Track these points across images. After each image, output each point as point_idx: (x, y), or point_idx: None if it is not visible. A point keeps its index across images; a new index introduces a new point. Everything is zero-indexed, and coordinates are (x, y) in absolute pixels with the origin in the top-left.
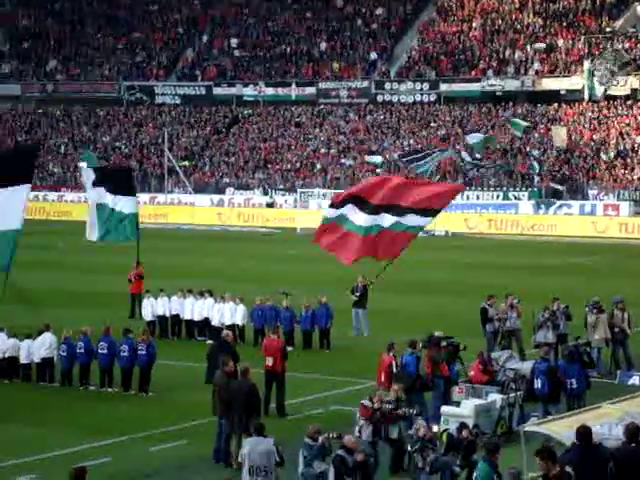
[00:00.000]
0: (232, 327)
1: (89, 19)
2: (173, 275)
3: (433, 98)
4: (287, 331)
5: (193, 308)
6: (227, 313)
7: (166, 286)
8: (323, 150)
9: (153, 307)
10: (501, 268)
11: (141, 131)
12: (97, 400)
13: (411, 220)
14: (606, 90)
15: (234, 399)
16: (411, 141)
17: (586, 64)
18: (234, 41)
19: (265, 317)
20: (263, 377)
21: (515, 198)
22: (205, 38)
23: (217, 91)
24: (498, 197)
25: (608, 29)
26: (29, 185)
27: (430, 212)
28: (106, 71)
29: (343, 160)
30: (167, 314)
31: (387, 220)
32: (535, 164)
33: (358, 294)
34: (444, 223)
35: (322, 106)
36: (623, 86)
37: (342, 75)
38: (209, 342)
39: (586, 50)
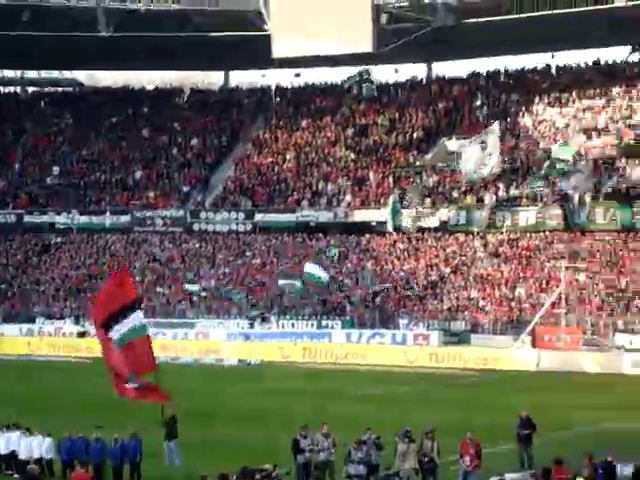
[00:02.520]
0: (40, 461)
1: None
2: None
3: (249, 227)
4: (97, 464)
5: None
6: (34, 446)
7: None
8: (138, 278)
9: None
10: (316, 397)
11: None
12: None
13: (134, 320)
14: (414, 222)
15: None
16: (226, 270)
17: (391, 197)
18: (47, 169)
19: (74, 450)
20: None
21: (329, 327)
22: (17, 166)
23: (28, 219)
24: (312, 326)
25: (417, 163)
26: None
27: (133, 306)
28: None
29: (158, 289)
30: None
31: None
32: None
33: (166, 426)
34: (260, 352)
35: (137, 234)
36: (431, 218)
37: (157, 204)
38: (16, 476)
39: (392, 184)
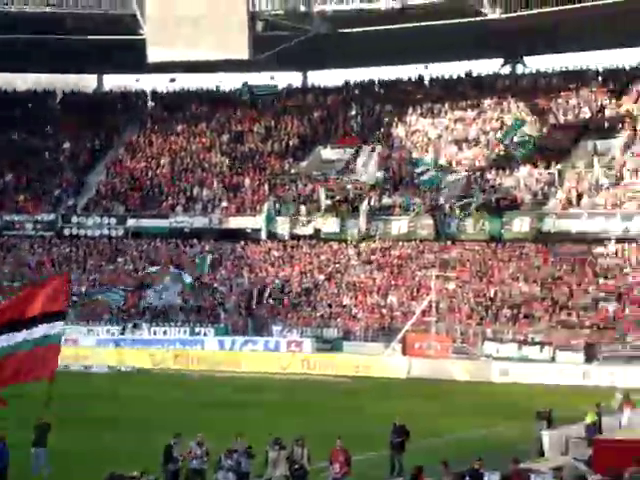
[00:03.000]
0: None
1: None
2: None
3: (121, 233)
4: None
5: None
6: None
7: None
8: (6, 283)
9: None
10: (187, 404)
11: None
12: None
13: (39, 331)
14: (289, 229)
15: None
16: (97, 275)
17: (266, 204)
18: None
19: None
20: None
21: (201, 334)
22: None
23: None
24: (185, 332)
25: (293, 171)
26: None
27: (55, 316)
28: None
29: None
30: None
31: (13, 339)
32: None
33: (36, 432)
34: (131, 359)
35: (6, 238)
36: (306, 226)
37: (27, 207)
38: None
39: (268, 191)
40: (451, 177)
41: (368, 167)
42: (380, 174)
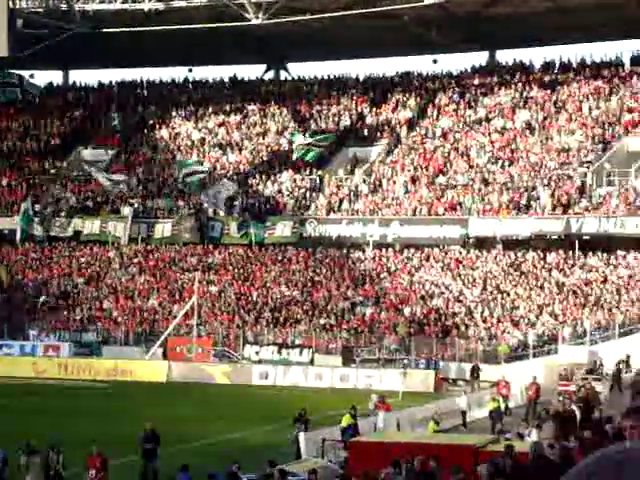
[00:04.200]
0: None
1: None
2: None
3: None
4: None
5: None
6: None
7: None
8: None
9: None
10: None
11: None
12: None
13: None
14: (47, 231)
15: None
16: None
17: (23, 205)
18: None
19: None
20: None
21: None
22: None
23: None
24: None
25: (53, 171)
26: None
27: None
28: None
29: None
30: None
31: None
32: None
33: None
34: None
35: None
36: (66, 228)
37: None
38: None
39: (25, 191)
40: (215, 181)
41: (131, 168)
42: (143, 176)
